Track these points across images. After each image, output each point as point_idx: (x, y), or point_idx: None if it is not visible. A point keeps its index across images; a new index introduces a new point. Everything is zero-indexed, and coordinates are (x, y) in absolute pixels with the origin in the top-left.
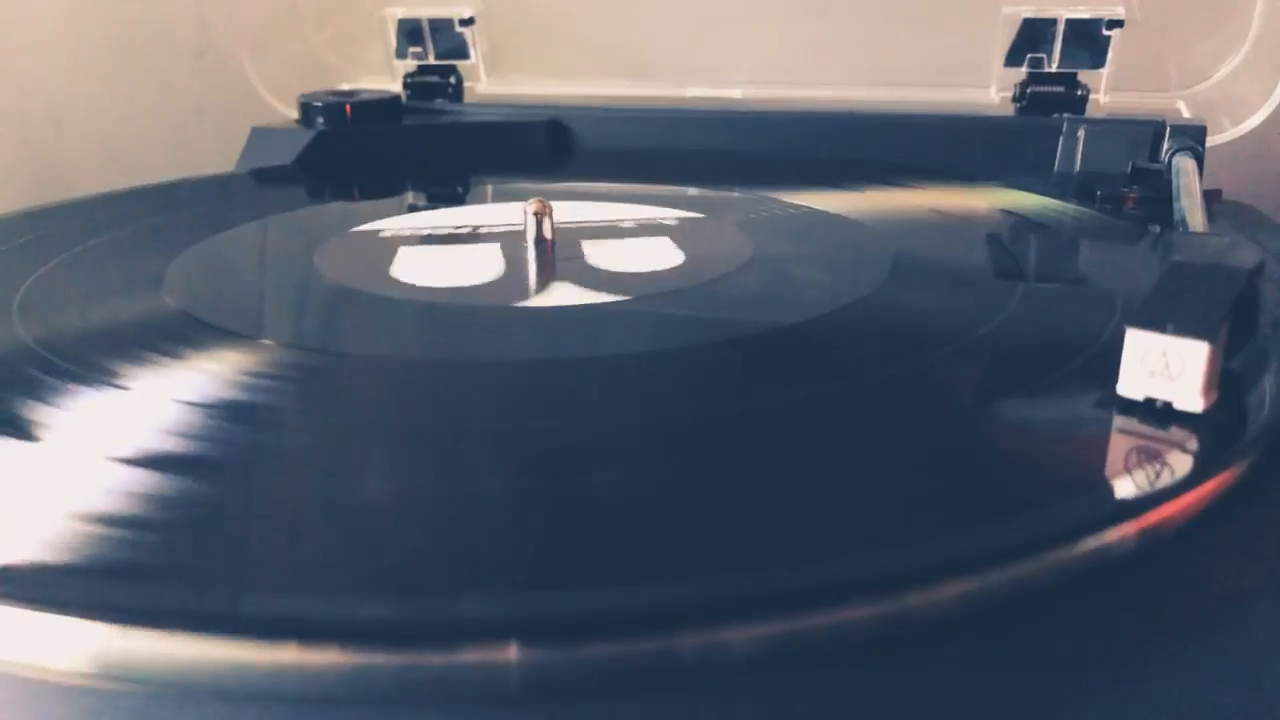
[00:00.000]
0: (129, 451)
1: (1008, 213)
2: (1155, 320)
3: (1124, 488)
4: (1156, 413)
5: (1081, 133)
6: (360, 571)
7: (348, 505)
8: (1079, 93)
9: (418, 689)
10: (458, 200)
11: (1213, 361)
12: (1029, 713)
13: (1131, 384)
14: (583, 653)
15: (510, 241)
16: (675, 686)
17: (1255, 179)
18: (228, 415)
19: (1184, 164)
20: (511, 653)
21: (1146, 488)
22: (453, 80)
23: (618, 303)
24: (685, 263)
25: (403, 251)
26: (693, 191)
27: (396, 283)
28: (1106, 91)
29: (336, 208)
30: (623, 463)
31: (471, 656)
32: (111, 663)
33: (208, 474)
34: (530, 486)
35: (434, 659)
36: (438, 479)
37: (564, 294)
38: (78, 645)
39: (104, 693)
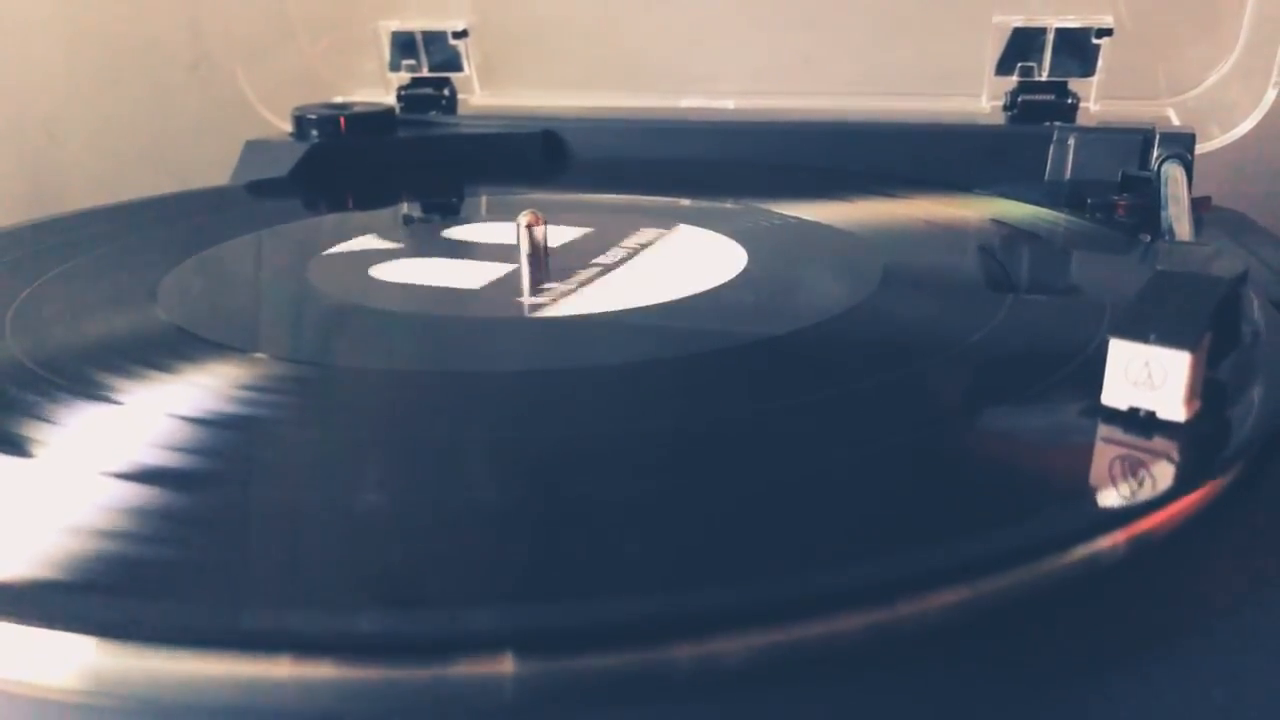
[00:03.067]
0: (122, 467)
1: (998, 221)
2: (1137, 330)
3: (1106, 498)
4: (1140, 422)
5: (1072, 141)
6: (353, 585)
7: (342, 519)
8: (1069, 101)
9: (412, 703)
10: (452, 211)
11: (1194, 371)
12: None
13: (1115, 393)
14: (577, 664)
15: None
16: (670, 697)
17: (1245, 186)
18: (222, 429)
19: (1172, 172)
20: (506, 665)
21: (1128, 498)
22: (446, 92)
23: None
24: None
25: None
26: (685, 202)
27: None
28: (1097, 100)
29: (331, 220)
30: (614, 474)
31: (466, 669)
32: (104, 678)
33: (201, 489)
34: (523, 498)
35: (428, 672)
36: (431, 492)
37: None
38: (70, 661)
39: (97, 709)
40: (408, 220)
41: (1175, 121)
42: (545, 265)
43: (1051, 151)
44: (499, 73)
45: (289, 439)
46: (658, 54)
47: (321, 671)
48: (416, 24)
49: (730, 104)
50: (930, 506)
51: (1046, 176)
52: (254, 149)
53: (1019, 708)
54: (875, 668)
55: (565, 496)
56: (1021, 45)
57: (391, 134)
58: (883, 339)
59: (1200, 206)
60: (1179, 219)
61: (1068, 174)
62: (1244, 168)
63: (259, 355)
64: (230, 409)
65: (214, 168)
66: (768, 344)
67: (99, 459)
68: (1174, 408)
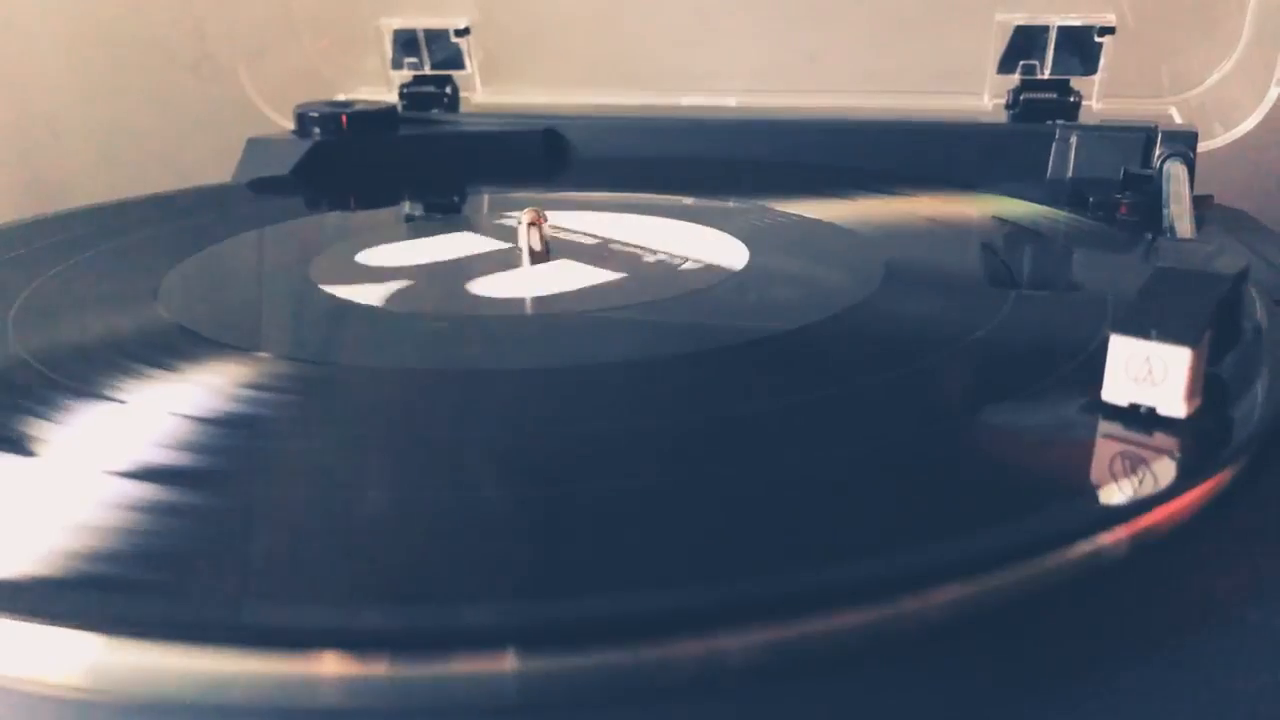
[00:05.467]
0: (125, 465)
1: (1000, 220)
2: (1138, 326)
3: (1106, 494)
4: (1141, 419)
5: (1074, 139)
6: (355, 581)
7: (344, 516)
8: (1071, 99)
9: (414, 699)
10: (454, 210)
11: (1195, 367)
12: (1021, 718)
13: (1116, 390)
14: (580, 661)
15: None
16: (672, 694)
17: (1247, 184)
18: (224, 428)
19: (1175, 170)
20: (508, 661)
21: (1129, 494)
22: (448, 90)
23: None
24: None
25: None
26: (688, 200)
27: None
28: (1099, 98)
29: (333, 218)
30: (616, 470)
31: (468, 665)
32: (108, 675)
33: (203, 487)
34: (525, 495)
35: (430, 668)
36: (433, 489)
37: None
38: (73, 658)
39: (101, 705)
40: (409, 219)
41: (1178, 120)
42: (546, 261)
43: (1053, 150)
44: (501, 71)
45: (291, 437)
46: (660, 52)
47: (324, 667)
48: (419, 22)
49: (732, 102)
50: (931, 503)
51: (1048, 175)
52: (256, 147)
53: (1019, 706)
54: (875, 665)
55: (567, 493)
56: (1024, 43)
57: (393, 132)
58: (885, 336)
59: (1202, 205)
60: (1181, 217)
61: (1070, 172)
62: (1246, 166)
63: (261, 354)
64: (232, 408)
65: (216, 165)
66: (770, 341)
67: (101, 457)
68: (1175, 404)
